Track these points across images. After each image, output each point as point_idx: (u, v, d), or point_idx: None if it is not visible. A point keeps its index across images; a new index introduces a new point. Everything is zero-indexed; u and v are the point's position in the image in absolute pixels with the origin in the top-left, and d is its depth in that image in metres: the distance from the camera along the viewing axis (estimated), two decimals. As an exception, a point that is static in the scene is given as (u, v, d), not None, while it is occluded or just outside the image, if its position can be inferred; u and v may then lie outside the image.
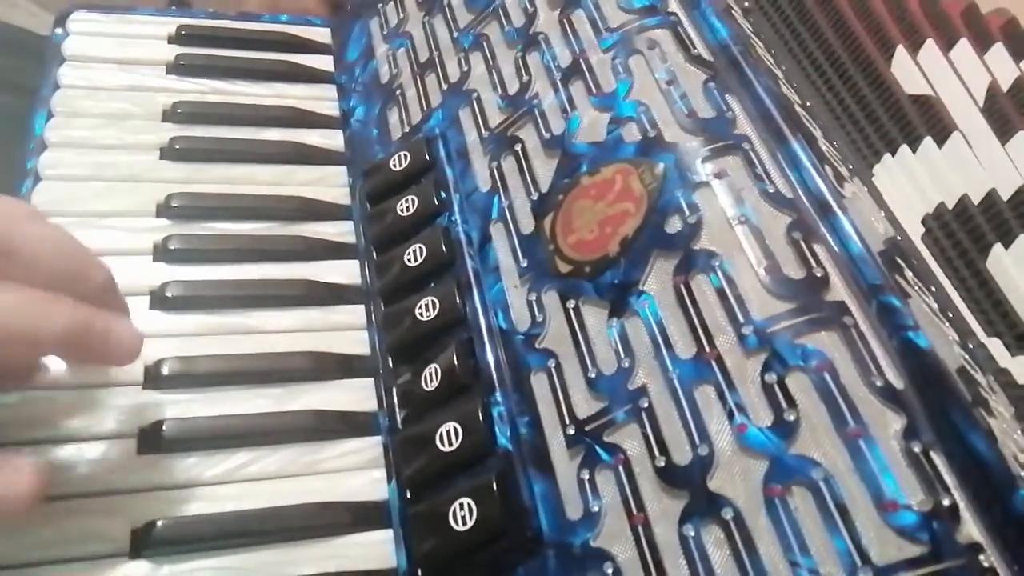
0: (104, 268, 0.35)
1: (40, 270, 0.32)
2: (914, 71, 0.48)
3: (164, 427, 0.38)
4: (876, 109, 0.45)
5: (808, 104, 0.43)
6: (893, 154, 0.45)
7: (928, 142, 0.44)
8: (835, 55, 0.48)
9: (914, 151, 0.45)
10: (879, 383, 0.27)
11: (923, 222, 0.42)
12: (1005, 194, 0.43)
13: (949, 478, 0.26)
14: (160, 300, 0.42)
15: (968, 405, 0.28)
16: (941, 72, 0.48)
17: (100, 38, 0.54)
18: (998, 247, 0.41)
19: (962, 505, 0.25)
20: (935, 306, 0.35)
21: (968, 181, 0.44)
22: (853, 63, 0.47)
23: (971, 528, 0.25)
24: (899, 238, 0.38)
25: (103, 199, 0.46)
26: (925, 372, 0.28)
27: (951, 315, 0.36)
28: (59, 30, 0.54)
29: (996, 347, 0.37)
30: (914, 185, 0.43)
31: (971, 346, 0.35)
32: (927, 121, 0.45)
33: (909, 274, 0.35)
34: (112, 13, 0.56)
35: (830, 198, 0.34)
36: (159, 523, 0.35)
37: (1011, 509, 0.26)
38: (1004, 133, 0.45)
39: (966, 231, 0.41)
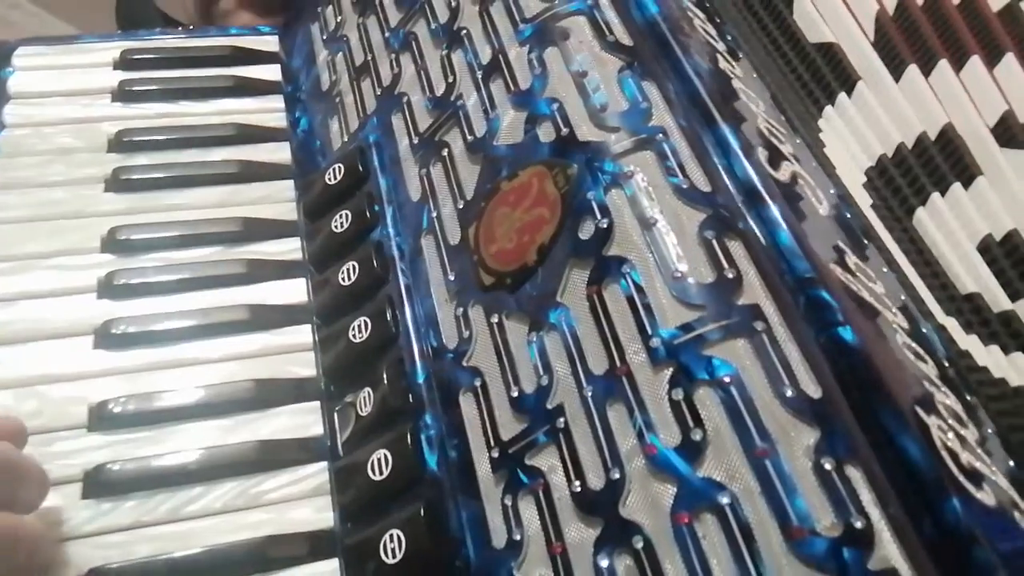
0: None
1: None
2: (813, 14, 0.44)
3: (108, 469, 0.38)
4: (798, 67, 0.42)
5: (755, 75, 0.41)
6: (820, 113, 0.42)
7: (843, 98, 0.41)
8: (754, 9, 0.44)
9: (834, 107, 0.42)
10: (790, 394, 0.25)
11: (864, 188, 0.39)
12: (910, 143, 0.40)
13: (867, 494, 0.24)
14: (104, 338, 0.42)
15: (901, 404, 0.26)
16: (833, 10, 0.44)
17: (45, 71, 0.54)
18: (920, 211, 0.38)
19: (880, 525, 0.23)
20: (882, 290, 0.33)
21: (879, 135, 0.41)
22: (766, 12, 0.44)
23: (888, 550, 0.23)
24: (848, 216, 0.36)
25: (47, 239, 0.46)
26: (854, 372, 0.26)
27: (904, 297, 0.34)
28: (7, 67, 0.54)
29: (954, 327, 0.34)
30: (845, 148, 0.40)
31: (925, 331, 0.33)
32: (834, 72, 0.41)
33: (852, 258, 0.33)
34: (57, 44, 0.56)
35: (759, 184, 0.31)
36: (104, 569, 0.35)
37: (942, 521, 0.24)
38: (896, 69, 0.41)
39: (893, 195, 0.39)
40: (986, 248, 0.39)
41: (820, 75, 0.43)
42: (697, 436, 0.26)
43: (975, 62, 0.43)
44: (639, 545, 0.26)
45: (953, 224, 0.39)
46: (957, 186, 0.40)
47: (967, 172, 0.40)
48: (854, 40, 0.43)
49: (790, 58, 0.44)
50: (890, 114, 0.41)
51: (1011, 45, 0.43)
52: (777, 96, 0.40)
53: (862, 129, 0.42)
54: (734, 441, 0.25)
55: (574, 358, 0.30)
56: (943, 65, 0.43)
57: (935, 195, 0.39)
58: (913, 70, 0.42)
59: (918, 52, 0.43)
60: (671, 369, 0.27)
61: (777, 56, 0.45)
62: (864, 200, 0.39)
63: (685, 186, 0.31)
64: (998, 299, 0.37)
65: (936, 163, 0.40)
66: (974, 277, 0.38)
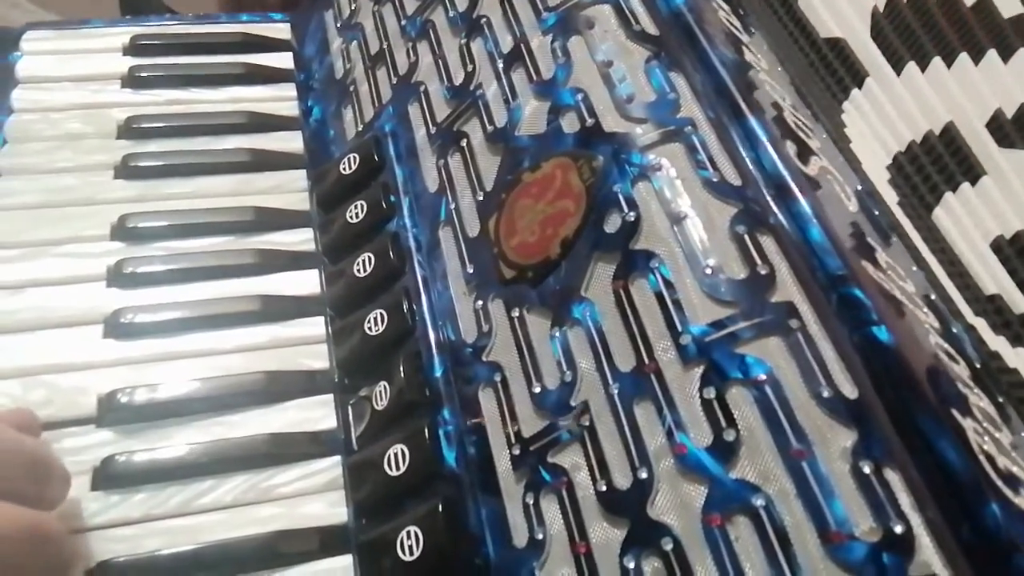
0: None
1: None
2: (819, 8, 0.44)
3: (117, 462, 0.37)
4: (815, 60, 0.42)
5: (780, 68, 0.40)
6: (841, 107, 0.41)
7: (856, 93, 0.41)
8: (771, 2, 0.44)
9: (850, 102, 0.41)
10: (827, 394, 0.25)
11: (889, 184, 0.38)
12: (919, 141, 0.39)
13: (905, 498, 0.23)
14: (114, 328, 0.41)
15: (937, 407, 0.25)
16: (834, 4, 0.43)
17: (53, 56, 0.53)
18: (937, 209, 0.37)
19: (920, 530, 0.23)
20: (912, 289, 0.32)
21: (892, 131, 0.40)
22: (780, 6, 0.43)
23: (929, 556, 0.22)
24: (877, 213, 0.35)
25: (56, 226, 0.45)
26: (889, 372, 0.26)
27: (933, 297, 0.33)
28: (15, 52, 0.53)
29: (983, 327, 0.34)
30: (868, 143, 0.39)
31: (955, 331, 0.32)
32: (845, 67, 0.41)
33: (883, 256, 0.32)
34: (65, 29, 0.55)
35: (789, 179, 0.31)
36: (113, 562, 0.34)
37: (981, 526, 0.23)
38: (897, 65, 0.41)
39: (912, 192, 0.38)
40: (999, 248, 0.38)
41: (833, 69, 0.43)
42: (730, 436, 0.25)
43: (964, 59, 0.42)
44: (668, 547, 0.25)
45: (967, 223, 0.38)
46: (966, 185, 0.39)
47: (972, 171, 0.39)
48: (857, 35, 0.43)
49: (807, 51, 0.44)
50: (898, 110, 0.41)
51: (988, 41, 0.43)
52: (802, 89, 0.40)
53: (876, 125, 0.41)
54: (768, 442, 0.24)
55: (599, 354, 0.29)
56: (937, 62, 0.42)
57: (948, 194, 0.39)
58: (912, 67, 0.42)
59: (912, 48, 0.43)
60: (702, 367, 0.26)
61: (796, 49, 0.44)
62: (891, 197, 0.38)
63: (715, 179, 0.30)
64: (1016, 300, 0.37)
65: (945, 161, 0.40)
66: (992, 277, 0.38)
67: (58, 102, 0.51)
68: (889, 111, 0.40)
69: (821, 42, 0.43)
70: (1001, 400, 0.31)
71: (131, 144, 0.49)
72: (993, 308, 0.37)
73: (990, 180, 0.39)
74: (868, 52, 0.42)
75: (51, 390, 0.39)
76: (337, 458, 0.38)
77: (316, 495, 0.37)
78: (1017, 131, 0.39)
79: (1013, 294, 0.37)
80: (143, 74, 0.52)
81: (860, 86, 0.41)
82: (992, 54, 0.42)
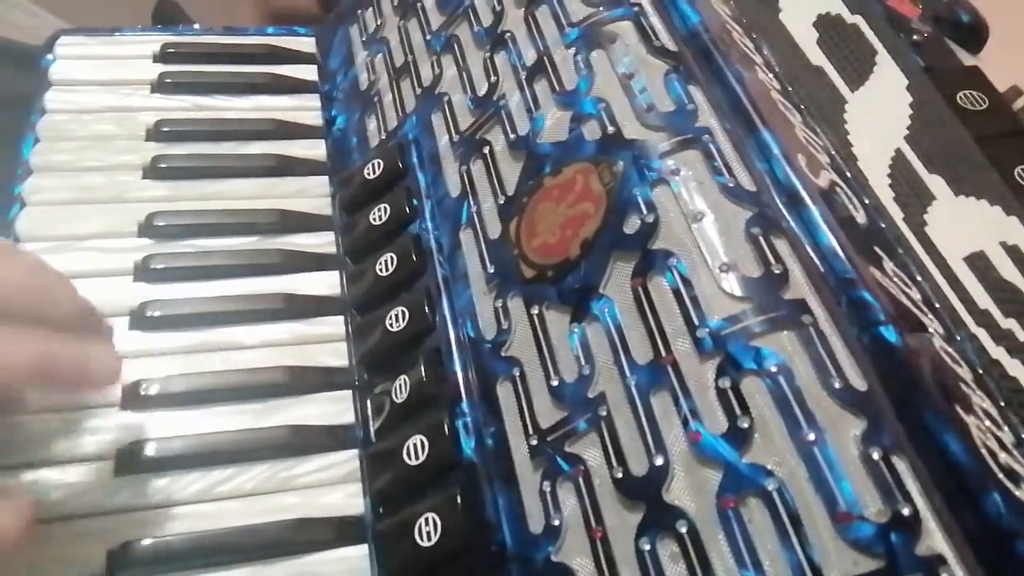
0: (72, 293, 0.35)
1: (5, 307, 0.30)
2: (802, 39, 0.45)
3: (141, 448, 0.38)
4: (811, 83, 0.43)
5: (790, 89, 0.42)
6: (844, 126, 0.42)
7: (847, 115, 0.42)
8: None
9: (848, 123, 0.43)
10: (838, 385, 0.26)
11: (894, 201, 0.40)
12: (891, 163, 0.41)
13: (912, 484, 0.24)
14: (140, 320, 0.42)
15: (942, 403, 0.27)
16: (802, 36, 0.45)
17: (86, 61, 0.55)
18: (927, 228, 0.39)
19: (926, 514, 0.24)
20: (918, 297, 0.33)
21: (878, 151, 0.41)
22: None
23: (934, 539, 0.23)
24: (883, 226, 0.36)
25: (85, 221, 0.46)
26: (896, 370, 0.27)
27: (937, 305, 0.34)
28: (48, 55, 0.55)
29: (984, 338, 0.35)
30: (867, 162, 0.41)
31: (959, 338, 0.34)
32: (832, 93, 0.43)
33: (889, 265, 0.33)
34: (98, 35, 0.57)
35: (801, 188, 0.32)
36: (135, 544, 0.35)
37: (983, 514, 0.24)
38: (853, 87, 0.42)
39: (906, 210, 0.39)
40: (974, 266, 0.39)
41: (827, 93, 0.44)
42: (744, 423, 0.26)
43: (871, 81, 0.44)
44: (683, 529, 0.26)
45: (945, 240, 0.40)
46: (930, 207, 0.41)
47: (927, 195, 0.41)
48: (822, 63, 0.45)
49: (807, 75, 0.46)
50: (873, 134, 0.42)
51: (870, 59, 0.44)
52: (810, 108, 0.41)
53: (866, 145, 0.43)
54: (781, 429, 0.26)
55: (617, 348, 0.31)
56: (869, 82, 0.43)
57: (924, 214, 0.40)
58: (863, 89, 0.43)
59: (847, 70, 0.44)
60: (719, 359, 0.27)
61: (801, 69, 0.46)
62: (896, 212, 0.40)
63: (731, 184, 0.31)
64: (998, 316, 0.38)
65: (910, 183, 0.41)
66: (977, 293, 0.39)
67: (89, 104, 0.52)
68: (870, 133, 0.42)
69: (812, 68, 0.45)
70: (1003, 404, 0.32)
71: (160, 146, 0.50)
72: (986, 322, 0.39)
73: (939, 204, 0.41)
74: (836, 79, 0.44)
75: (78, 377, 0.40)
76: (355, 451, 0.39)
77: (334, 486, 0.38)
78: (923, 159, 0.41)
79: (994, 310, 0.38)
80: (172, 80, 0.54)
81: (844, 109, 0.43)
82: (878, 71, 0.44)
